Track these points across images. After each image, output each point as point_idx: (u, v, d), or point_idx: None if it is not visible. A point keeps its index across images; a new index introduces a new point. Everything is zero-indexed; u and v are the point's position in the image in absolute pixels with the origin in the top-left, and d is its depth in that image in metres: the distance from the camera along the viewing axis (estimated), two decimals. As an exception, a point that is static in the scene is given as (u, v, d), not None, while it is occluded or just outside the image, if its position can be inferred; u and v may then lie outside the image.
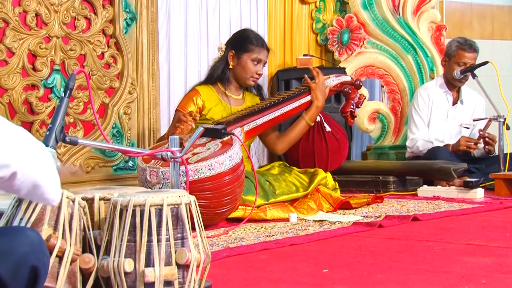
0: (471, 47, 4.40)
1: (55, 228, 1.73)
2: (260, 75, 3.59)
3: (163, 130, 3.77)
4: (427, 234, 2.72)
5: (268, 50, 3.60)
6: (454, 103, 4.53)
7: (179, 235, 1.77)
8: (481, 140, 4.26)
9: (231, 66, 3.55)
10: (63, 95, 2.08)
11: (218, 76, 3.56)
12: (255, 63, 3.54)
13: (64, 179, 1.64)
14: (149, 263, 1.72)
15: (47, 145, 1.98)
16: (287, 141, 3.61)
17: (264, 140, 3.68)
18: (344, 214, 3.29)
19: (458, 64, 4.40)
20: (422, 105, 4.52)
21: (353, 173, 4.25)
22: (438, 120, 4.50)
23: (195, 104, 3.46)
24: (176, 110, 3.49)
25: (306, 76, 3.67)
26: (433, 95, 4.51)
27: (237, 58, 3.54)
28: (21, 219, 1.72)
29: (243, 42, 3.56)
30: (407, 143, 4.51)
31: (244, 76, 3.54)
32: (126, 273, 1.72)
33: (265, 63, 3.61)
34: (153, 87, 3.81)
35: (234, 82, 3.59)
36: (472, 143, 4.24)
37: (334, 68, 4.85)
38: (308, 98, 3.59)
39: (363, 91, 4.71)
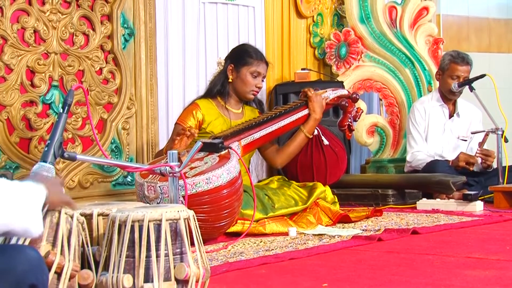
0: (464, 60, 4.42)
1: (54, 244, 1.73)
2: (259, 88, 3.60)
3: (162, 145, 3.77)
4: (427, 247, 2.72)
5: (267, 63, 3.62)
6: (451, 116, 4.53)
7: (178, 250, 1.76)
8: (479, 155, 4.26)
9: (230, 80, 3.57)
10: (61, 111, 2.08)
11: (218, 90, 3.57)
12: (255, 76, 3.55)
13: (57, 199, 1.64)
14: (148, 278, 1.72)
15: (45, 161, 1.98)
16: (286, 155, 3.61)
17: (263, 154, 3.68)
18: (343, 227, 3.28)
19: (452, 78, 4.41)
20: (419, 119, 4.52)
21: (352, 186, 4.24)
22: (435, 134, 4.50)
23: (194, 118, 3.47)
24: (176, 124, 3.50)
25: (303, 89, 3.68)
26: (429, 108, 4.52)
27: (236, 72, 3.55)
28: (20, 235, 1.72)
29: (242, 55, 3.57)
30: (408, 158, 4.50)
31: (244, 90, 3.55)
32: (125, 289, 1.71)
33: (264, 77, 3.63)
34: (152, 102, 3.82)
35: (234, 96, 3.60)
36: (471, 160, 4.24)
37: (332, 82, 4.86)
38: (305, 111, 3.60)
39: (361, 104, 4.72)
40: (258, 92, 3.62)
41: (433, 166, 4.25)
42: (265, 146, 3.60)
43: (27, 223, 1.39)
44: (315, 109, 3.56)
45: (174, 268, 1.74)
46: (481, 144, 4.25)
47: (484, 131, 4.31)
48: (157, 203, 2.86)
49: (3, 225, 1.34)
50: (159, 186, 2.87)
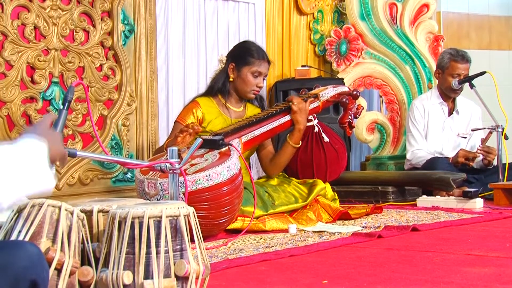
0: (463, 58, 4.42)
1: (54, 241, 1.73)
2: (260, 87, 3.57)
3: (162, 141, 3.77)
4: (427, 244, 2.72)
5: (269, 62, 3.58)
6: (450, 113, 4.53)
7: (178, 246, 1.76)
8: (480, 152, 4.26)
9: (231, 79, 3.54)
10: (61, 107, 2.08)
11: (218, 88, 3.55)
12: (256, 76, 3.52)
13: (55, 152, 1.61)
14: (148, 275, 1.72)
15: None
16: (278, 166, 3.57)
17: (259, 155, 3.65)
18: (343, 224, 3.28)
19: (452, 76, 4.41)
20: (419, 117, 4.52)
21: (352, 183, 4.24)
22: (435, 132, 4.50)
23: (194, 116, 3.46)
24: (175, 122, 3.49)
25: (287, 98, 3.63)
26: (428, 106, 4.52)
27: (237, 71, 3.53)
28: (20, 231, 1.72)
29: (243, 54, 3.54)
30: (408, 156, 4.49)
31: (244, 89, 3.53)
32: (125, 286, 1.71)
33: (266, 76, 3.59)
34: (152, 99, 3.82)
35: (234, 95, 3.58)
36: (471, 157, 4.24)
37: (332, 79, 4.86)
38: (310, 106, 3.55)
39: (361, 101, 4.72)
40: (259, 92, 3.59)
41: (433, 163, 4.25)
42: (263, 144, 3.58)
43: (39, 183, 1.42)
44: (297, 120, 3.47)
45: (174, 264, 1.74)
46: (483, 141, 4.25)
47: (484, 128, 4.31)
48: (157, 200, 2.86)
49: (17, 197, 1.36)
50: (159, 183, 2.87)
